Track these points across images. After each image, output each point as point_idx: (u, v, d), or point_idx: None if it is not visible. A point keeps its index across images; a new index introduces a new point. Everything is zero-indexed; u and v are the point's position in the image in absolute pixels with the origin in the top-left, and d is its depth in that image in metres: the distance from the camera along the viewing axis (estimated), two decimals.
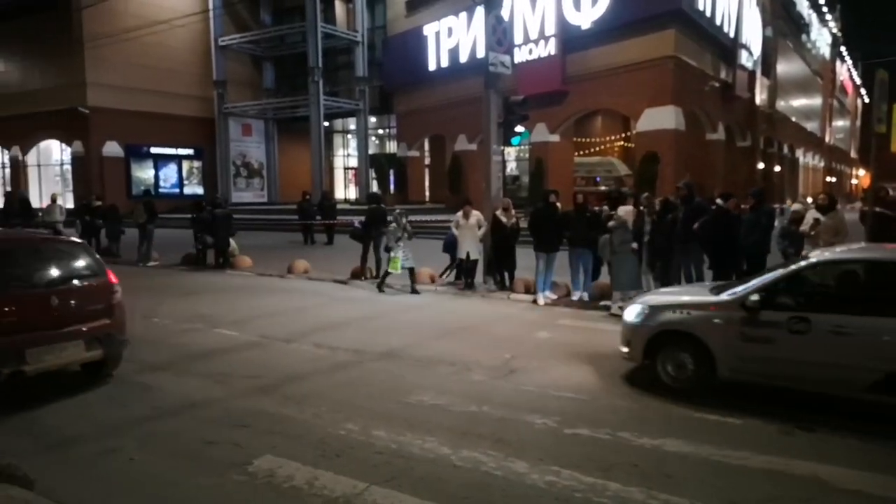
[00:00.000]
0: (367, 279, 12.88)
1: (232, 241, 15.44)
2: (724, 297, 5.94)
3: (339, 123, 37.66)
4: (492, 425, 5.25)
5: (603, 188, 24.70)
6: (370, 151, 34.71)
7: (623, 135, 28.86)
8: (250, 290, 12.37)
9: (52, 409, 5.76)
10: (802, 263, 5.89)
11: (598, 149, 28.53)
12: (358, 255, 13.25)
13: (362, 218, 13.41)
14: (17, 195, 24.24)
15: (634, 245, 9.62)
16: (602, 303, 10.06)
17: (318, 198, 23.53)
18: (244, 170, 36.53)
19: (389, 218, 11.96)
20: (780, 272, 5.88)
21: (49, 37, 30.29)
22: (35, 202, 26.08)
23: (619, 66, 22.65)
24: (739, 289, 5.90)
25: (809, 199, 18.43)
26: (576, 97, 24.30)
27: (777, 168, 38.03)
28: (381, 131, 36.44)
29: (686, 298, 6.41)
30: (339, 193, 34.40)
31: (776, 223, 10.17)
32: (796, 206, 10.74)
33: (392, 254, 11.54)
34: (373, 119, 35.04)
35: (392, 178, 32.58)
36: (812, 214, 9.00)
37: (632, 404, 5.79)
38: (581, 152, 27.84)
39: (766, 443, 4.89)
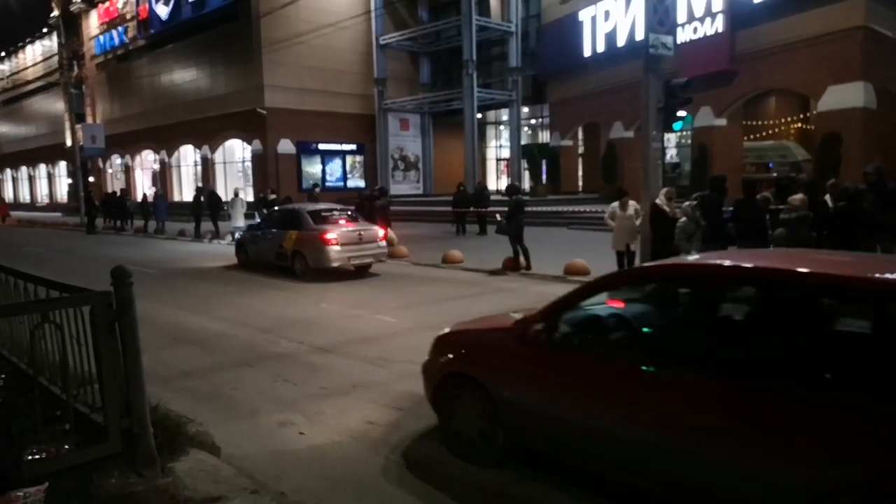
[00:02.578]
0: (520, 271, 12.87)
1: (390, 231, 16.13)
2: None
3: (491, 115, 37.94)
4: None
5: (775, 175, 22.73)
6: (522, 142, 34.63)
7: (800, 116, 26.30)
8: (407, 278, 12.85)
9: (236, 385, 6.38)
10: None
11: (770, 132, 26.24)
12: (508, 246, 13.28)
13: (504, 209, 13.41)
14: (207, 190, 27.05)
15: (814, 234, 8.74)
16: None
17: (474, 189, 23.92)
18: (401, 163, 37.97)
19: (677, 211, 10.06)
20: None
21: (232, 45, 33.39)
22: (221, 196, 29.01)
23: (796, 40, 20.63)
24: None
25: None
26: (746, 77, 22.49)
27: None
28: (533, 121, 36.20)
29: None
30: (492, 184, 34.60)
31: None
32: None
33: (685, 255, 9.74)
34: (525, 109, 34.89)
35: (544, 168, 32.28)
36: None
37: None
38: (751, 136, 25.77)
39: None
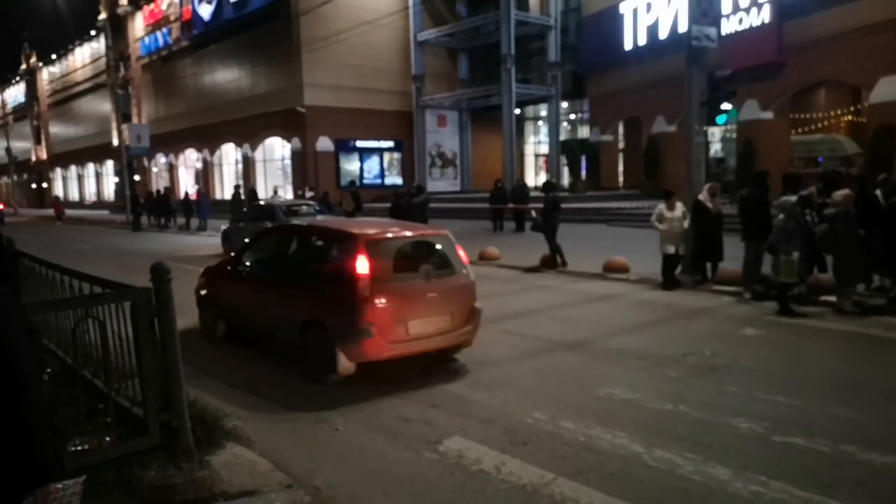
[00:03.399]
0: (557, 268, 12.73)
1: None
2: None
3: (530, 111, 37.64)
4: (689, 426, 4.91)
5: (822, 170, 22.02)
6: (561, 137, 34.28)
7: (851, 108, 25.40)
8: None
9: (273, 381, 6.45)
10: None
11: (820, 125, 25.40)
12: (545, 243, 13.15)
13: (540, 206, 13.29)
14: (247, 188, 27.54)
15: (861, 231, 8.40)
16: (824, 298, 8.95)
17: (514, 186, 23.77)
18: (439, 160, 37.98)
19: (773, 211, 9.29)
20: None
21: (273, 44, 33.87)
22: (260, 194, 29.48)
23: (848, 30, 19.91)
24: None
25: None
26: (794, 69, 21.81)
27: None
28: (572, 116, 35.79)
29: None
30: (530, 180, 34.34)
31: None
32: None
33: (785, 256, 8.43)
34: (564, 104, 34.51)
35: (584, 164, 31.90)
36: None
37: (854, 414, 5.07)
38: (799, 130, 24.99)
39: None
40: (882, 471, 4.13)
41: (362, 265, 5.90)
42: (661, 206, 10.63)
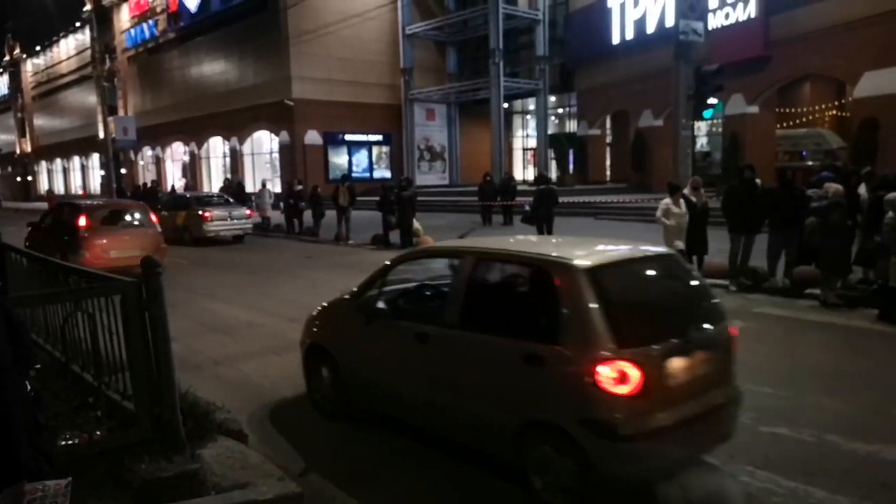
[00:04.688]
0: None
1: (415, 222, 16.14)
2: None
3: (518, 104, 37.65)
4: None
5: (810, 163, 22.20)
6: (549, 131, 34.33)
7: (836, 103, 25.60)
8: None
9: (263, 373, 6.45)
10: None
11: (804, 119, 25.61)
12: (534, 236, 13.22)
13: (530, 199, 13.34)
14: (235, 181, 27.36)
15: (849, 222, 8.50)
16: (809, 291, 9.05)
17: (501, 179, 23.79)
18: (427, 153, 37.92)
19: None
20: None
21: (261, 37, 33.61)
22: (248, 188, 29.32)
23: (834, 24, 20.06)
24: None
25: None
26: (780, 63, 21.96)
27: None
28: (560, 110, 35.84)
29: None
30: (518, 174, 34.40)
31: None
32: None
33: None
34: (552, 98, 34.56)
35: (571, 157, 31.97)
36: None
37: (839, 405, 5.15)
38: (784, 124, 25.17)
39: None
40: (866, 460, 4.20)
41: None
42: (667, 201, 10.26)
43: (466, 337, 4.09)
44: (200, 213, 18.36)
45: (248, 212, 19.71)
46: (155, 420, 3.79)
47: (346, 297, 5.19)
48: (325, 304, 5.55)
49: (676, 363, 3.64)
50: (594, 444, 3.46)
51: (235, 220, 18.80)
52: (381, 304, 4.75)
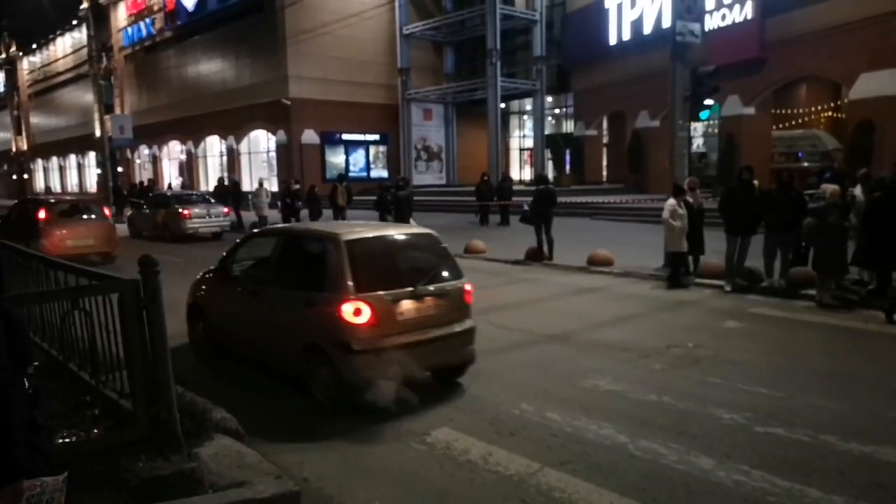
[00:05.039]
0: (543, 261, 12.80)
1: (412, 222, 16.14)
2: None
3: (515, 105, 37.67)
4: (673, 416, 4.99)
5: (806, 164, 22.26)
6: (546, 132, 34.37)
7: (832, 104, 25.69)
8: None
9: (261, 373, 6.45)
10: None
11: (800, 121, 25.69)
12: (531, 236, 13.21)
13: (530, 199, 13.35)
14: (231, 180, 27.25)
15: (847, 223, 8.55)
16: (805, 291, 9.08)
17: (498, 179, 23.80)
18: (424, 153, 37.91)
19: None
20: None
21: (258, 36, 33.57)
22: (245, 187, 29.27)
23: (829, 26, 20.13)
24: None
25: None
26: (776, 65, 22.03)
27: None
28: (557, 111, 35.88)
29: None
30: (515, 174, 34.43)
31: None
32: None
33: None
34: (549, 99, 34.59)
35: (568, 158, 32.01)
36: None
37: (834, 405, 5.18)
38: (780, 125, 25.25)
39: None
40: (861, 460, 4.22)
41: None
42: (673, 202, 10.08)
43: (276, 291, 5.90)
44: (180, 210, 18.99)
45: (225, 210, 20.40)
46: (152, 419, 3.79)
47: (213, 267, 6.99)
48: (200, 273, 7.19)
49: (405, 305, 5.27)
50: (339, 357, 5.01)
51: (214, 218, 19.55)
52: (234, 272, 6.62)
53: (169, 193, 22.51)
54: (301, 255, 6.00)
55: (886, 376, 5.88)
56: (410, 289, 5.26)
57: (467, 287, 5.78)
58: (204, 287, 6.98)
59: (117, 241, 14.51)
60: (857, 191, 9.40)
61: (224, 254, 6.85)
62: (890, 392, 5.46)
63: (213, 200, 20.97)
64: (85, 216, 14.55)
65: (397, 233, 6.30)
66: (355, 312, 4.98)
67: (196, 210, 19.36)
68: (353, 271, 5.12)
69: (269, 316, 5.83)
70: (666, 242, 10.33)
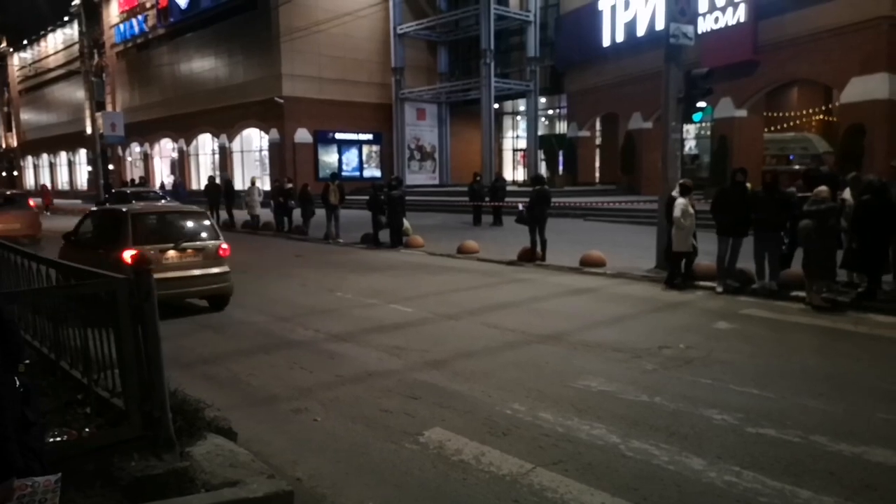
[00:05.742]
0: (536, 262, 12.83)
1: (405, 222, 16.13)
2: None
3: (508, 105, 37.73)
4: (665, 417, 5.01)
5: (797, 167, 22.38)
6: (539, 132, 34.44)
7: (823, 107, 25.87)
8: (422, 268, 12.87)
9: (253, 372, 6.44)
10: None
11: (792, 124, 25.84)
12: (524, 236, 13.23)
13: (526, 200, 13.37)
14: (223, 178, 27.21)
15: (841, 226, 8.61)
16: (796, 293, 9.14)
17: (491, 180, 23.81)
18: (417, 153, 37.90)
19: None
20: None
21: (251, 34, 33.46)
22: (238, 185, 29.18)
23: (821, 30, 20.28)
24: None
25: None
26: (768, 67, 22.17)
27: None
28: (550, 112, 35.96)
29: None
30: (508, 175, 34.47)
31: None
32: None
33: None
34: (543, 100, 34.65)
35: (561, 159, 32.08)
36: None
37: (825, 406, 5.22)
38: (772, 128, 25.40)
39: None
40: (852, 461, 4.26)
41: None
42: (684, 202, 9.88)
43: (97, 251, 8.64)
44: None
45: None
46: (144, 417, 3.77)
47: (70, 236, 9.83)
48: (63, 240, 9.94)
49: (170, 254, 8.62)
50: None
51: None
52: (81, 238, 9.54)
53: (129, 191, 23.69)
54: (108, 223, 9.19)
55: (877, 378, 5.93)
56: (173, 244, 8.63)
57: (224, 246, 9.12)
58: (64, 250, 9.72)
59: (40, 226, 18.31)
60: (847, 194, 9.46)
61: (75, 226, 9.93)
62: (880, 393, 5.50)
63: (168, 198, 21.94)
64: (12, 204, 18.59)
65: (172, 210, 9.89)
66: (132, 258, 7.47)
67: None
68: (134, 233, 8.39)
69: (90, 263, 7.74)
70: (673, 241, 10.25)
